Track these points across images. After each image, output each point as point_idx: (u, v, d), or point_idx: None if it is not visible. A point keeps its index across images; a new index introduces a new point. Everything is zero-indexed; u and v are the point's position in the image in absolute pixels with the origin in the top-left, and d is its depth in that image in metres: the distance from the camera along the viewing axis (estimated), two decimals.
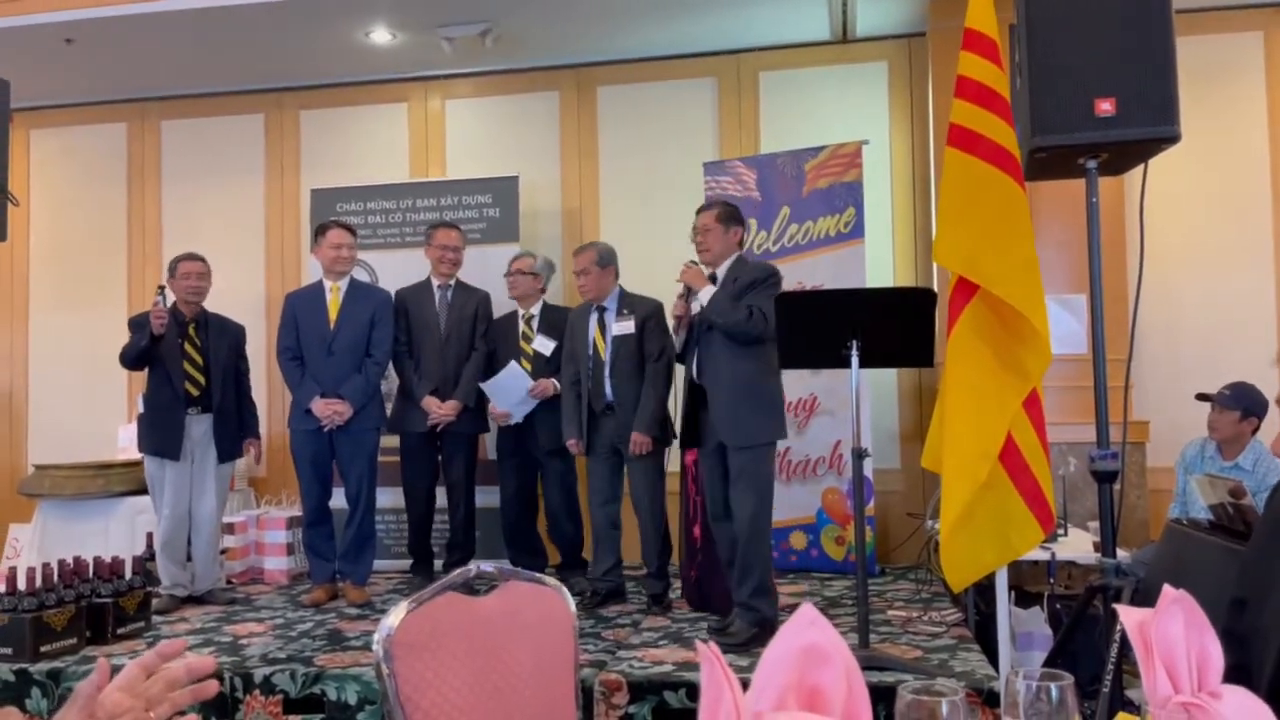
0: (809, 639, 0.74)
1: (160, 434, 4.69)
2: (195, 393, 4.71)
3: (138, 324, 4.71)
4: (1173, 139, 2.65)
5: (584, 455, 4.59)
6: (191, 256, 4.86)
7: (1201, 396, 4.40)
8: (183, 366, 4.70)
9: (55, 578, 3.86)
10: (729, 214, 4.00)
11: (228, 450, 4.80)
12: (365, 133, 6.42)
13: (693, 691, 3.21)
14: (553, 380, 4.81)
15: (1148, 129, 2.64)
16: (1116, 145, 2.70)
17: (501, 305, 5.21)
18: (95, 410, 6.38)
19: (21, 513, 5.97)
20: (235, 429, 4.87)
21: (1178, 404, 4.58)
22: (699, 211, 4.09)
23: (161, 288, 4.73)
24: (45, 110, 6.59)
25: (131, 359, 4.69)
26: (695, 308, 3.90)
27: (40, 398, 6.57)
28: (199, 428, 4.73)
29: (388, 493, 5.25)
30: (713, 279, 3.91)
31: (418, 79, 6.33)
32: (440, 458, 5.05)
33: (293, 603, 4.76)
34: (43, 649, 3.64)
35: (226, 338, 4.87)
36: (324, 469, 4.77)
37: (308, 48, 5.82)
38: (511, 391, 4.84)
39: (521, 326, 5.02)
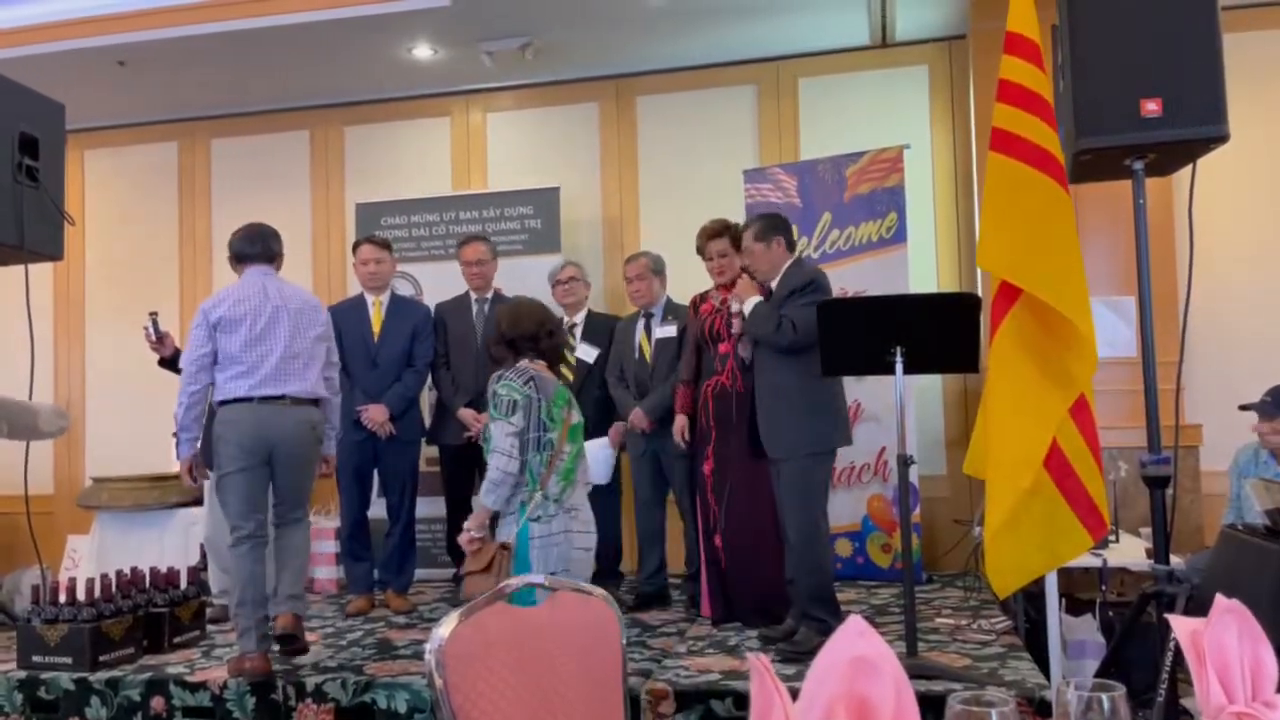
0: (858, 650, 0.74)
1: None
2: None
3: None
4: (1221, 138, 2.61)
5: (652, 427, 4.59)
6: None
7: (1245, 407, 4.30)
8: None
9: (113, 588, 3.96)
10: (764, 228, 3.90)
11: None
12: (408, 147, 6.51)
13: (739, 700, 3.20)
14: (620, 425, 4.79)
15: (1195, 129, 2.60)
16: (1163, 146, 2.66)
17: None
18: (149, 423, 6.51)
19: (80, 524, 6.11)
20: None
21: (1231, 407, 4.48)
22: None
23: (153, 314, 4.64)
24: (99, 131, 6.76)
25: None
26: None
27: (97, 411, 6.72)
28: None
29: (432, 501, 5.30)
30: (769, 293, 3.91)
31: (459, 93, 6.40)
32: (477, 469, 5.09)
33: (342, 611, 4.82)
34: (101, 658, 3.73)
35: None
36: (366, 479, 4.84)
37: (352, 65, 5.92)
38: (600, 462, 4.82)
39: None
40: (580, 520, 3.05)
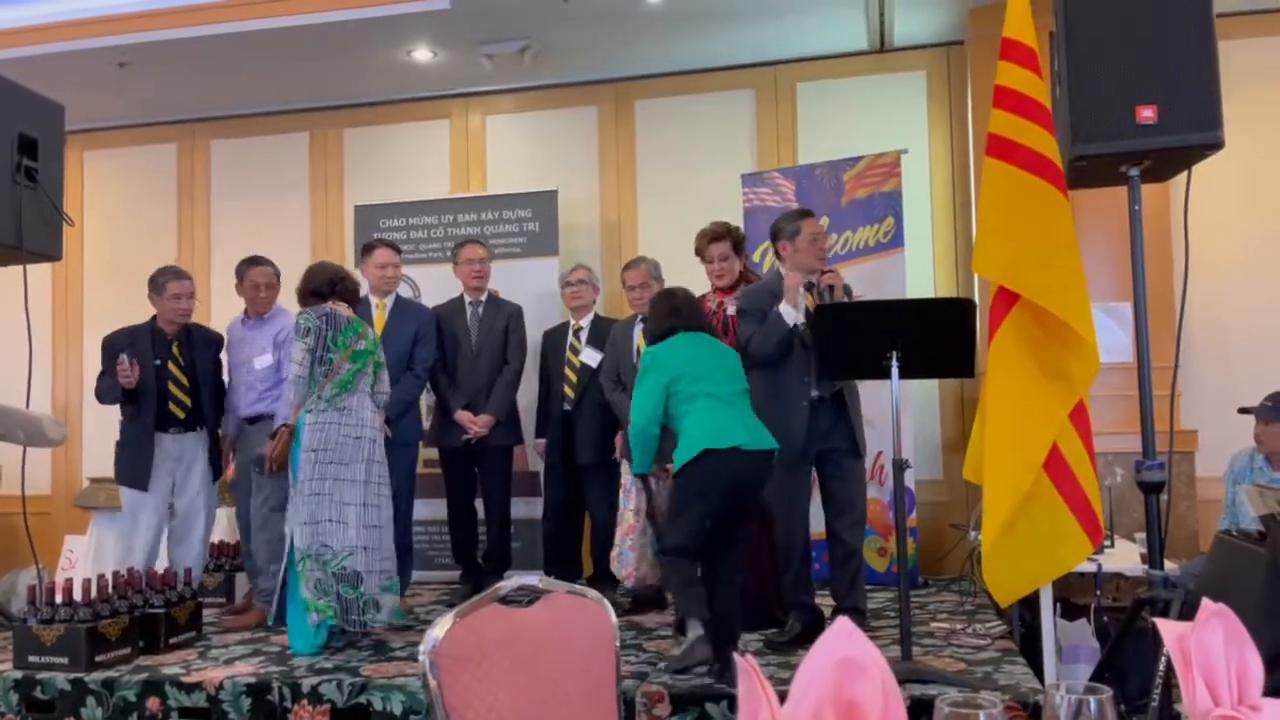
0: (846, 652, 0.75)
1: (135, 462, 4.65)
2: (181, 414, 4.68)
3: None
4: (1216, 145, 2.62)
5: None
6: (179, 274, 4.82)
7: (1244, 410, 4.32)
8: (168, 387, 4.66)
9: (109, 589, 3.95)
10: None
11: (219, 467, 4.84)
12: (408, 149, 6.52)
13: (734, 703, 3.20)
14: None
15: (1190, 135, 2.61)
16: (1159, 152, 2.67)
17: (544, 319, 5.24)
18: None
19: (77, 525, 6.11)
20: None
21: (1227, 413, 4.49)
22: (805, 216, 4.05)
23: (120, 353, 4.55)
24: (99, 132, 6.77)
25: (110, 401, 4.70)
26: (797, 317, 3.90)
27: (94, 412, 6.70)
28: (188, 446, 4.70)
29: (431, 504, 5.30)
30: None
31: (458, 96, 6.41)
32: (477, 470, 5.09)
33: None
34: (98, 659, 3.73)
35: (211, 350, 4.84)
36: None
37: (351, 67, 5.93)
38: None
39: (570, 339, 5.05)
40: (352, 417, 4.06)
